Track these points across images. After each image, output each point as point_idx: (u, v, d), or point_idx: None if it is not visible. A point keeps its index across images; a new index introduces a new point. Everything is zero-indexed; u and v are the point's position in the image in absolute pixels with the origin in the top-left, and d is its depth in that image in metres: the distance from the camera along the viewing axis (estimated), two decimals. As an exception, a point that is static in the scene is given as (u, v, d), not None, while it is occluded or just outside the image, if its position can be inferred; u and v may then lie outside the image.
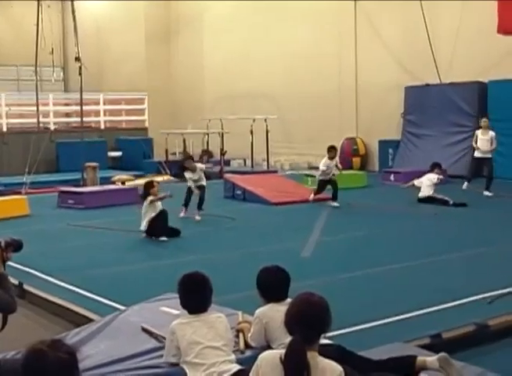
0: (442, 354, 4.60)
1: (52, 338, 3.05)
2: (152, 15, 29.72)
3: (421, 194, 14.81)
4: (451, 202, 14.31)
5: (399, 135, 22.03)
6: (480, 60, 19.99)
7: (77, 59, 19.61)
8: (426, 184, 14.90)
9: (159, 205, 11.35)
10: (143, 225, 11.26)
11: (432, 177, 14.95)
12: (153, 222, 11.22)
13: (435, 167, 15.25)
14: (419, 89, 21.45)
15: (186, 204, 13.35)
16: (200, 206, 13.23)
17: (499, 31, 19.65)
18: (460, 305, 6.95)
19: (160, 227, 11.19)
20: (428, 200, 14.64)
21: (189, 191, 13.34)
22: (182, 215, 13.18)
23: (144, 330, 5.33)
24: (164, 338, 4.96)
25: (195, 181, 13.31)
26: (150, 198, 11.29)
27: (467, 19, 20.15)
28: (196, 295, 4.69)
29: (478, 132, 16.31)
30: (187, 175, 13.39)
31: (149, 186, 11.65)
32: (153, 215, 11.24)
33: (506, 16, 19.40)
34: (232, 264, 9.36)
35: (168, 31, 30.58)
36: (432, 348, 5.25)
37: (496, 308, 6.65)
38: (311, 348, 3.42)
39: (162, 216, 11.26)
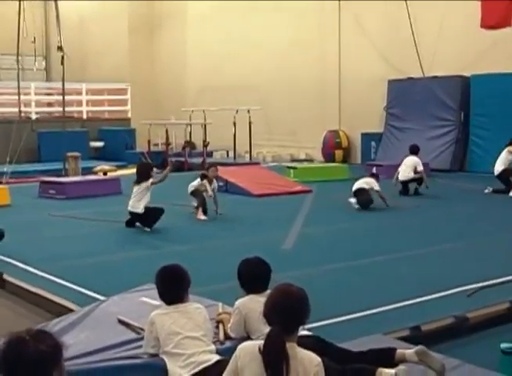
0: (420, 347, 4.62)
1: (40, 327, 3.00)
2: (136, 5, 29.56)
3: (403, 178, 14.94)
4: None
5: (382, 129, 22.10)
6: (463, 54, 20.09)
7: (60, 48, 19.51)
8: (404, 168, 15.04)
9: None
10: (141, 208, 11.10)
11: (415, 161, 15.05)
12: (149, 211, 11.16)
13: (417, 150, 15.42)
14: (402, 83, 21.52)
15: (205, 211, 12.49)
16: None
17: (482, 26, 19.73)
18: (440, 297, 6.98)
19: (153, 218, 11.16)
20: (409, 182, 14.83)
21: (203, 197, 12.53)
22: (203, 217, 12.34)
23: (121, 321, 5.31)
24: (142, 329, 4.96)
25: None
26: (152, 180, 11.23)
27: (451, 13, 20.22)
28: (173, 287, 4.70)
29: None
30: (206, 186, 12.38)
31: (149, 168, 11.59)
32: (148, 200, 11.17)
33: (490, 10, 19.47)
34: (213, 255, 9.36)
35: (152, 22, 30.45)
36: (411, 340, 5.28)
37: (475, 301, 6.69)
38: (290, 339, 3.44)
39: (161, 211, 11.25)
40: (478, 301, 6.60)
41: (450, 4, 20.17)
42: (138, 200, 11.17)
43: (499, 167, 15.31)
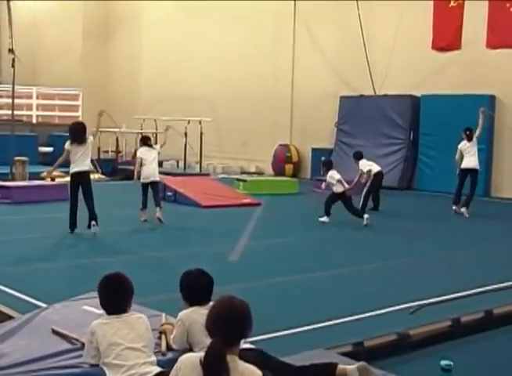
0: (362, 363, 4.64)
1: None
2: (90, 10, 29.33)
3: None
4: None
5: (332, 144, 22.26)
6: (413, 74, 20.40)
7: (11, 50, 19.22)
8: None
9: None
10: (89, 166, 11.32)
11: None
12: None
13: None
14: (353, 100, 21.74)
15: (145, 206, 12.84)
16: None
17: (433, 47, 20.14)
18: (383, 314, 7.04)
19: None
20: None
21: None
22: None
23: (55, 332, 5.21)
24: (77, 340, 4.88)
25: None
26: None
27: (403, 33, 20.53)
28: (115, 296, 4.62)
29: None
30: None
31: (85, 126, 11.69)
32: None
33: (440, 32, 19.90)
34: (159, 265, 9.30)
35: (106, 28, 30.25)
36: (354, 355, 5.29)
37: (418, 318, 6.75)
38: (232, 352, 3.41)
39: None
40: (421, 319, 6.66)
41: (403, 24, 20.49)
42: (85, 160, 11.18)
43: (475, 161, 14.90)
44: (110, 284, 4.69)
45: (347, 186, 13.18)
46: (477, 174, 14.96)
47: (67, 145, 11.23)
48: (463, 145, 14.88)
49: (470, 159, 14.83)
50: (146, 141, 13.23)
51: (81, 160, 11.13)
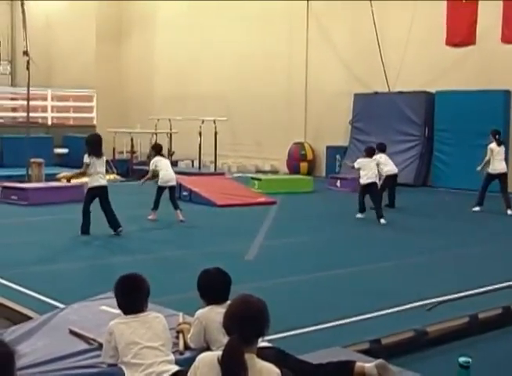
0: (380, 361, 4.64)
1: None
2: (104, 12, 29.37)
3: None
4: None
5: (347, 142, 22.22)
6: (428, 70, 20.31)
7: (26, 53, 19.29)
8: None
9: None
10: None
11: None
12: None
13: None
14: (367, 97, 21.68)
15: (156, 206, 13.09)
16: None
17: (447, 43, 20.04)
18: (400, 311, 7.02)
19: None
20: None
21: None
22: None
23: (72, 332, 5.23)
24: (94, 340, 4.91)
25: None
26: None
27: (417, 29, 20.44)
28: (131, 297, 4.65)
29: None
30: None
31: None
32: None
33: (454, 28, 19.80)
34: (175, 264, 9.32)
35: (120, 29, 30.30)
36: (371, 353, 5.30)
37: (435, 315, 6.74)
38: (249, 350, 3.42)
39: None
40: (438, 316, 6.65)
41: (416, 20, 20.42)
42: (103, 173, 11.45)
43: (502, 165, 14.75)
44: (127, 285, 4.72)
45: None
46: (506, 177, 14.88)
47: (86, 158, 11.33)
48: (493, 147, 14.67)
49: (500, 163, 14.70)
50: (159, 150, 13.51)
51: (100, 173, 11.25)
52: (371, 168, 13.48)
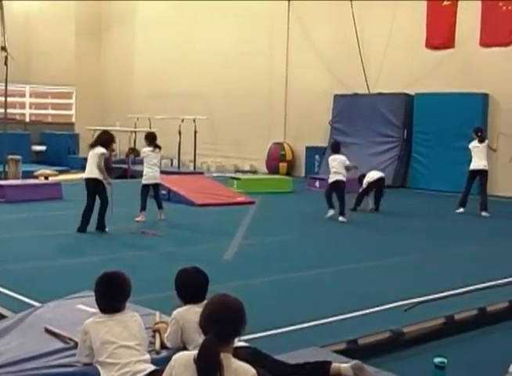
0: (356, 361, 4.65)
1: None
2: (83, 9, 29.25)
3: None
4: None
5: (326, 143, 22.26)
6: (407, 73, 20.42)
7: (3, 48, 19.15)
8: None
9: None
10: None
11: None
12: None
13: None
14: (347, 98, 21.75)
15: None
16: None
17: (426, 46, 20.17)
18: (377, 311, 7.04)
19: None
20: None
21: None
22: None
23: (48, 331, 5.19)
24: (70, 339, 4.87)
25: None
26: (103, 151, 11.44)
27: (397, 32, 20.55)
28: (112, 295, 4.59)
29: None
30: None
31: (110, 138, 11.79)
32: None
33: (434, 31, 19.94)
34: (152, 264, 9.28)
35: (100, 27, 30.19)
36: (348, 353, 5.31)
37: (412, 316, 6.77)
38: (225, 350, 3.41)
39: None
40: (415, 316, 6.67)
41: (397, 23, 20.52)
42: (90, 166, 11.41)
43: (484, 162, 14.77)
44: (109, 283, 4.64)
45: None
46: (486, 175, 14.93)
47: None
48: (474, 145, 14.82)
49: (482, 160, 14.77)
50: (153, 140, 12.99)
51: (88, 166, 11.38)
52: (333, 166, 13.43)
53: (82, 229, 11.22)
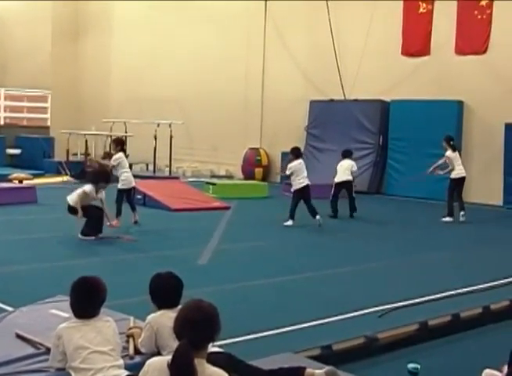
0: (330, 367, 4.65)
1: None
2: (60, 11, 29.03)
3: (341, 177, 15.00)
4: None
5: (302, 148, 22.26)
6: (383, 79, 20.54)
7: (-22, 51, 19.01)
8: (342, 170, 15.12)
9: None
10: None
11: (350, 163, 15.17)
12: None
13: (351, 154, 15.50)
14: (323, 104, 21.82)
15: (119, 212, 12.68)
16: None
17: (402, 53, 20.31)
18: (352, 317, 7.06)
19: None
20: (346, 184, 14.86)
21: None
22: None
23: (19, 336, 5.13)
24: (41, 344, 4.82)
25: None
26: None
27: (373, 38, 20.67)
28: (88, 300, 4.53)
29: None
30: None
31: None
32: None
33: (410, 38, 20.09)
34: (127, 268, 9.24)
35: (76, 29, 30.02)
36: (322, 359, 5.31)
37: (386, 321, 6.79)
38: (199, 355, 3.40)
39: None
40: (389, 322, 6.70)
41: (373, 29, 20.64)
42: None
43: (463, 169, 15.05)
44: (85, 287, 4.58)
45: None
46: (464, 182, 15.13)
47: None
48: (451, 154, 14.91)
49: (461, 168, 14.96)
50: (122, 146, 13.19)
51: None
52: (303, 171, 13.61)
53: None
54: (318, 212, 13.40)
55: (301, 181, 13.48)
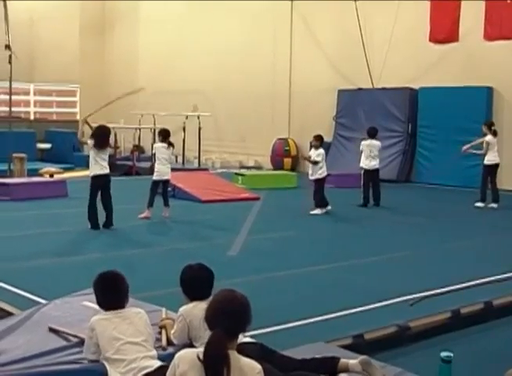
0: (364, 357, 4.63)
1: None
2: (87, 7, 29.21)
3: (371, 165, 14.68)
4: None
5: (331, 138, 22.23)
6: (411, 67, 20.37)
7: (8, 47, 19.13)
8: (374, 154, 14.76)
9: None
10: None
11: (378, 143, 14.84)
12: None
13: (377, 132, 15.05)
14: (351, 93, 21.71)
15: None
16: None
17: (430, 40, 20.11)
18: (383, 306, 7.05)
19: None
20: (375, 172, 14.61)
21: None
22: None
23: (52, 330, 5.19)
24: (75, 336, 4.88)
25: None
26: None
27: (400, 26, 20.49)
28: (110, 295, 4.62)
29: None
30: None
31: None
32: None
33: (438, 25, 19.88)
34: (159, 260, 9.30)
35: (103, 23, 30.17)
36: (354, 348, 5.30)
37: (418, 310, 6.76)
38: (230, 346, 3.41)
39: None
40: (421, 311, 6.67)
41: (400, 18, 20.46)
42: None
43: (498, 156, 14.94)
44: (105, 283, 4.67)
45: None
46: (497, 168, 15.04)
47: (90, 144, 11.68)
48: (491, 139, 14.78)
49: (496, 154, 14.87)
50: (166, 136, 12.87)
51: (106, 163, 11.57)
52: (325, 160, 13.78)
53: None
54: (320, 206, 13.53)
55: (324, 169, 13.59)
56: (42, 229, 11.50)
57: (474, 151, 15.17)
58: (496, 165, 14.90)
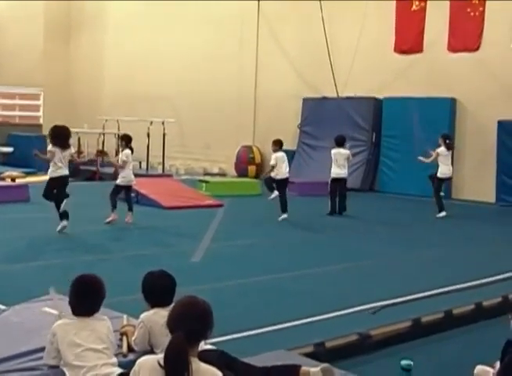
0: (325, 365, 4.64)
1: None
2: (52, 9, 29.00)
3: (338, 173, 14.73)
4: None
5: (295, 146, 22.30)
6: (376, 77, 20.54)
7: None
8: (340, 162, 14.81)
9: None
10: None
11: (345, 152, 14.89)
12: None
13: (344, 140, 15.14)
14: (316, 101, 21.82)
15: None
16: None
17: (395, 50, 20.32)
18: (344, 314, 7.07)
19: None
20: (342, 181, 14.67)
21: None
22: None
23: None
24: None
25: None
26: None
27: (366, 35, 20.67)
28: (87, 298, 4.53)
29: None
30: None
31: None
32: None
33: (403, 35, 20.11)
34: (120, 266, 9.22)
35: (69, 28, 29.97)
36: (315, 356, 5.32)
37: (379, 318, 6.80)
38: (191, 353, 3.40)
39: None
40: (382, 319, 6.71)
41: (366, 27, 20.65)
42: (66, 166, 11.33)
43: (451, 169, 15.26)
44: (84, 286, 4.57)
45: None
46: (450, 181, 15.34)
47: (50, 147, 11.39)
48: (443, 151, 14.98)
49: (449, 168, 15.11)
50: (129, 142, 12.93)
51: (65, 165, 11.33)
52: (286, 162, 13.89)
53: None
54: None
55: (287, 170, 13.71)
56: (2, 234, 11.34)
57: (424, 159, 15.34)
58: (448, 179, 15.17)
